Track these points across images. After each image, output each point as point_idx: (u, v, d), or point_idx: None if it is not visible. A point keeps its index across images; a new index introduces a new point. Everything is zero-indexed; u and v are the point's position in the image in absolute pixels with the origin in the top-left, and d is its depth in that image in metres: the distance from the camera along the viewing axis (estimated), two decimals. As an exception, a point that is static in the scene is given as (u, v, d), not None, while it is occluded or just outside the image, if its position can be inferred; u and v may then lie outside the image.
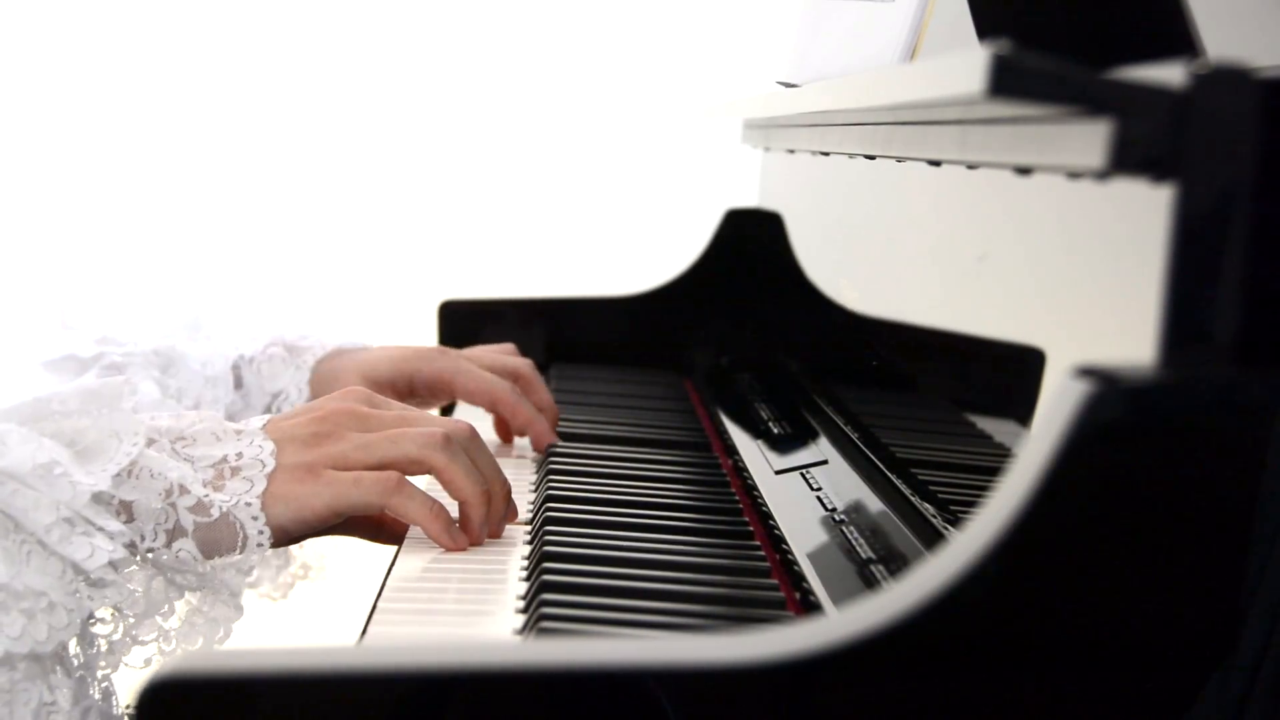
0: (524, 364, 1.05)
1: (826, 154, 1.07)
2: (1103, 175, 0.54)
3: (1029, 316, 0.66)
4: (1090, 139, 0.52)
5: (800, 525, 0.84)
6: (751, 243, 1.38)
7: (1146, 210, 0.52)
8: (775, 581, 0.77)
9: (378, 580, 0.79)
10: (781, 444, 1.03)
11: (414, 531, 0.87)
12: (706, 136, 2.14)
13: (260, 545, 0.75)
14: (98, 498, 0.72)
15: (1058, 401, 0.50)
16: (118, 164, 2.20)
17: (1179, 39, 0.70)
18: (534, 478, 1.00)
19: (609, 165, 2.23)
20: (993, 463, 0.69)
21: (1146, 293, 0.52)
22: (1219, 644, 0.52)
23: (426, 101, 2.22)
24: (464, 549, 0.82)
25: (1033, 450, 0.50)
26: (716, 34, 2.17)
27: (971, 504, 0.70)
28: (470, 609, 0.75)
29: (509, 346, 1.12)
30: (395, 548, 0.85)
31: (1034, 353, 0.64)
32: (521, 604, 0.75)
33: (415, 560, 0.81)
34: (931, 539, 0.72)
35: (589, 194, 2.23)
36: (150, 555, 0.74)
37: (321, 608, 2.06)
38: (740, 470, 1.00)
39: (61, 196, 2.20)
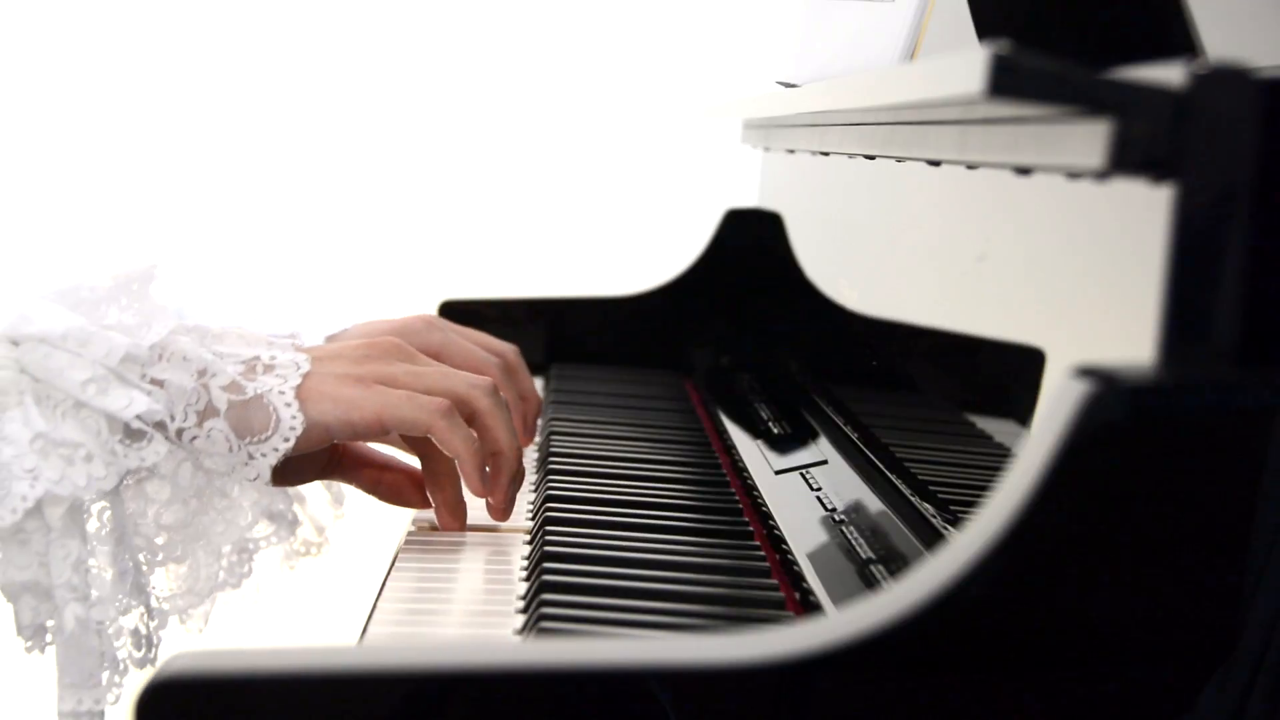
0: (509, 348, 1.04)
1: (826, 154, 1.07)
2: (1103, 175, 0.54)
3: (1029, 316, 0.66)
4: (1090, 139, 0.52)
5: (800, 525, 0.84)
6: (751, 243, 1.38)
7: (1146, 210, 0.52)
8: (775, 581, 0.77)
9: (378, 580, 0.79)
10: (781, 444, 1.03)
11: (413, 530, 0.87)
12: (706, 136, 2.14)
13: (294, 429, 0.75)
14: (131, 359, 0.73)
15: (1058, 401, 0.50)
16: (112, 162, 2.20)
17: (1179, 39, 0.70)
18: (534, 478, 1.00)
19: (609, 165, 2.23)
20: (993, 463, 0.69)
21: (1146, 293, 0.52)
22: (1219, 644, 0.52)
23: (426, 102, 2.22)
24: (484, 496, 0.82)
25: (1033, 450, 0.50)
26: (716, 34, 2.17)
27: (971, 504, 0.70)
28: (470, 609, 0.75)
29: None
30: (395, 547, 0.85)
31: (1034, 353, 0.64)
32: (521, 604, 0.75)
33: (415, 560, 0.82)
34: (931, 539, 0.72)
35: (589, 194, 2.23)
36: (181, 435, 0.74)
37: (322, 607, 2.07)
38: (740, 470, 1.00)
39: (57, 197, 2.20)
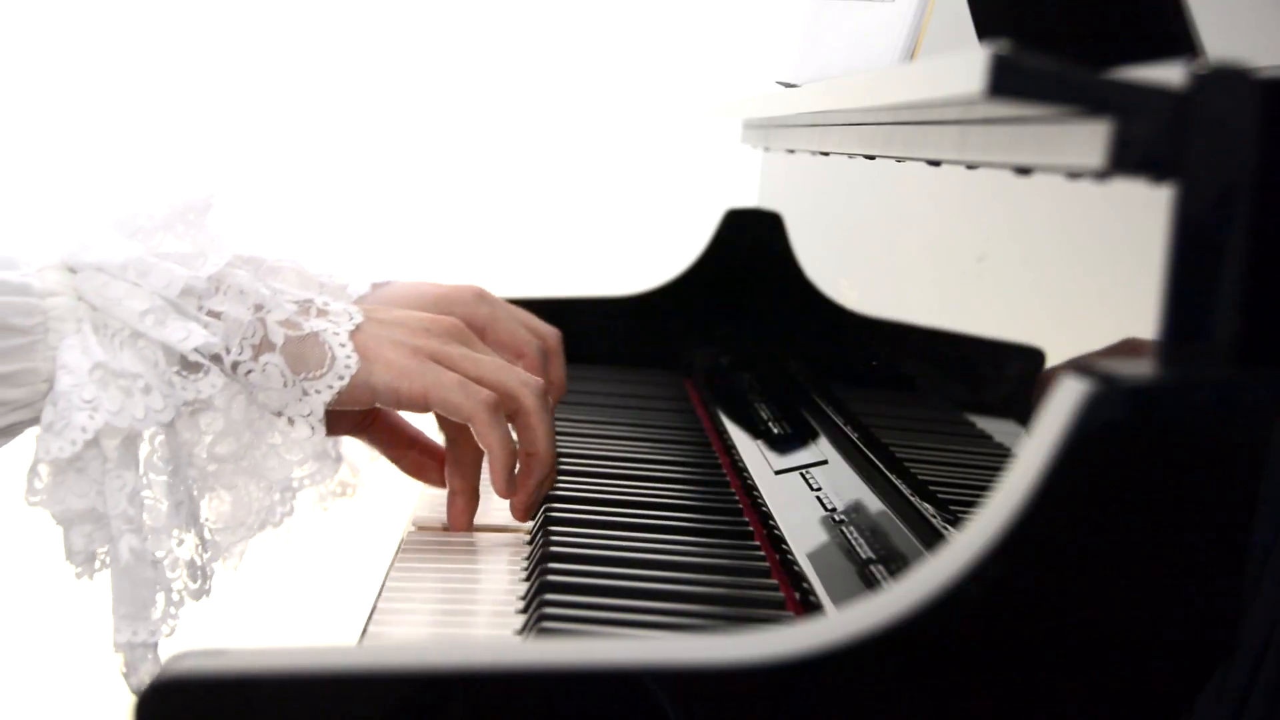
0: (552, 333, 1.01)
1: (826, 154, 1.07)
2: (1103, 175, 0.54)
3: (1029, 316, 0.66)
4: (1090, 139, 0.52)
5: (800, 525, 0.84)
6: (751, 243, 1.38)
7: (1146, 210, 0.52)
8: (775, 581, 0.78)
9: (378, 580, 0.79)
10: (781, 444, 1.03)
11: (413, 531, 0.87)
12: (706, 136, 2.14)
13: (349, 368, 0.75)
14: (190, 291, 0.73)
15: (1058, 401, 0.50)
16: (115, 166, 2.20)
17: (1179, 39, 0.70)
18: (534, 478, 1.00)
19: (609, 165, 2.23)
20: (993, 463, 0.69)
21: (1146, 293, 0.52)
22: (1219, 644, 0.52)
23: (427, 102, 2.22)
24: (507, 498, 0.82)
25: (1033, 450, 0.50)
26: (716, 34, 2.17)
27: (971, 504, 0.70)
28: (470, 609, 0.75)
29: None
30: (395, 547, 0.85)
31: (1034, 353, 0.64)
32: (522, 604, 0.75)
33: (415, 560, 0.82)
34: (931, 539, 0.72)
35: (589, 194, 2.24)
36: (236, 368, 0.74)
37: (322, 607, 2.07)
38: (740, 470, 1.00)
39: (62, 194, 2.20)
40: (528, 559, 0.82)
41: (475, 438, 0.80)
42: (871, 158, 0.93)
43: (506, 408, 0.80)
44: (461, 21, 2.22)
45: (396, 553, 0.83)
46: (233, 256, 0.77)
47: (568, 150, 2.23)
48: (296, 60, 2.21)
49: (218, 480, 0.78)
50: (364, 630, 0.71)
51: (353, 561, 1.89)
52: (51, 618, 1.98)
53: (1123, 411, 0.49)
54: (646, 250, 2.04)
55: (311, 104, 2.22)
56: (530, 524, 0.88)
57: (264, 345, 0.74)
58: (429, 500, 0.94)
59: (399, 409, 0.81)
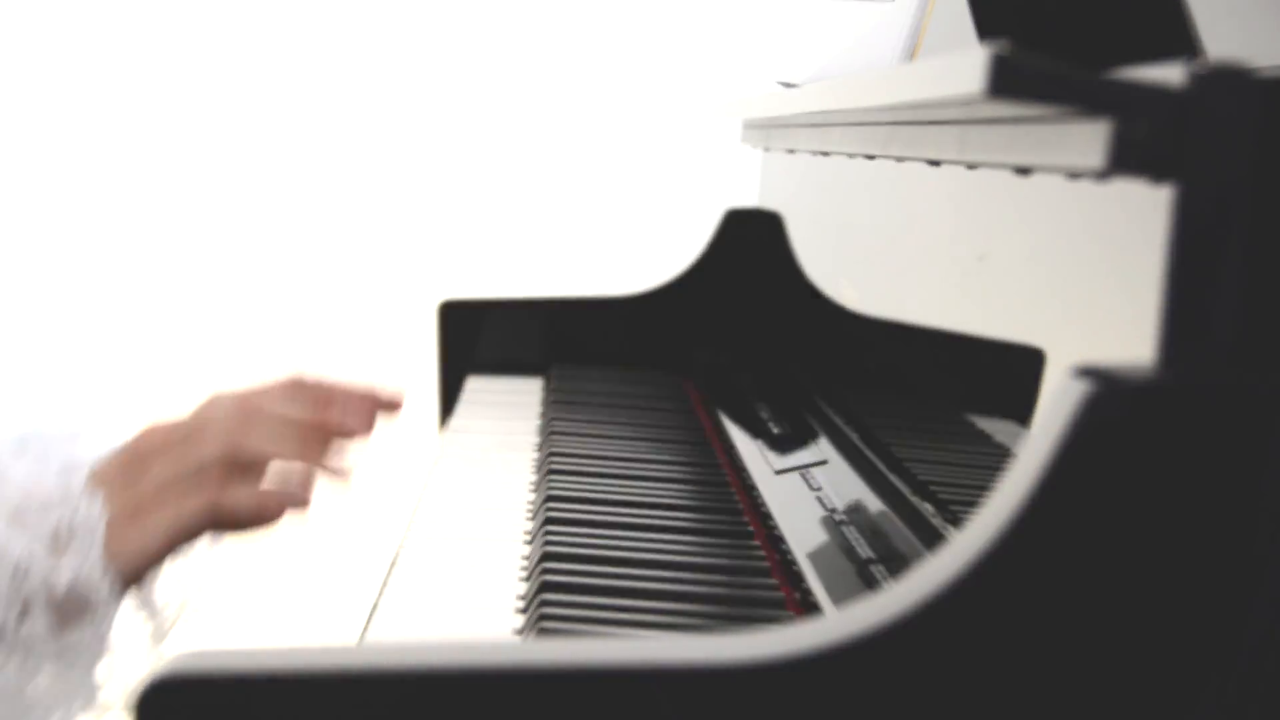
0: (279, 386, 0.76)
1: (826, 154, 1.07)
2: (1103, 175, 0.54)
3: (1029, 316, 0.66)
4: (1090, 139, 0.52)
5: (800, 525, 0.84)
6: (751, 243, 1.38)
7: (1147, 210, 0.52)
8: (775, 581, 0.78)
9: (378, 580, 0.79)
10: (781, 444, 1.03)
11: (413, 531, 0.87)
12: (706, 136, 2.14)
13: (112, 604, 0.72)
14: None
15: (1058, 401, 0.50)
16: (114, 158, 2.20)
17: (1179, 39, 0.70)
18: (534, 478, 1.00)
19: (609, 165, 2.23)
20: (993, 463, 0.69)
21: (1146, 293, 0.52)
22: (1219, 644, 0.52)
23: (427, 102, 2.22)
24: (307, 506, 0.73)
25: (1033, 450, 0.50)
26: (716, 34, 2.17)
27: (971, 504, 0.70)
28: (470, 609, 0.75)
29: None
30: (396, 547, 0.85)
31: (1034, 353, 0.64)
32: (521, 604, 0.75)
33: (416, 560, 0.82)
34: (931, 539, 0.72)
35: (589, 194, 2.24)
36: (2, 633, 0.71)
37: (322, 607, 2.07)
38: (740, 470, 1.00)
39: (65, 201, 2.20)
40: (527, 559, 0.82)
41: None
42: (871, 158, 0.93)
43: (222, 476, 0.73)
44: (463, 22, 2.22)
45: (397, 552, 0.83)
46: None
47: (568, 150, 2.23)
48: (297, 59, 2.21)
49: None
50: (364, 630, 0.71)
51: (353, 561, 1.89)
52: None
53: (1123, 411, 0.49)
54: (646, 250, 2.04)
55: (313, 104, 2.22)
56: (529, 523, 0.88)
57: (25, 609, 0.70)
58: (429, 501, 0.94)
59: (167, 558, 0.76)
